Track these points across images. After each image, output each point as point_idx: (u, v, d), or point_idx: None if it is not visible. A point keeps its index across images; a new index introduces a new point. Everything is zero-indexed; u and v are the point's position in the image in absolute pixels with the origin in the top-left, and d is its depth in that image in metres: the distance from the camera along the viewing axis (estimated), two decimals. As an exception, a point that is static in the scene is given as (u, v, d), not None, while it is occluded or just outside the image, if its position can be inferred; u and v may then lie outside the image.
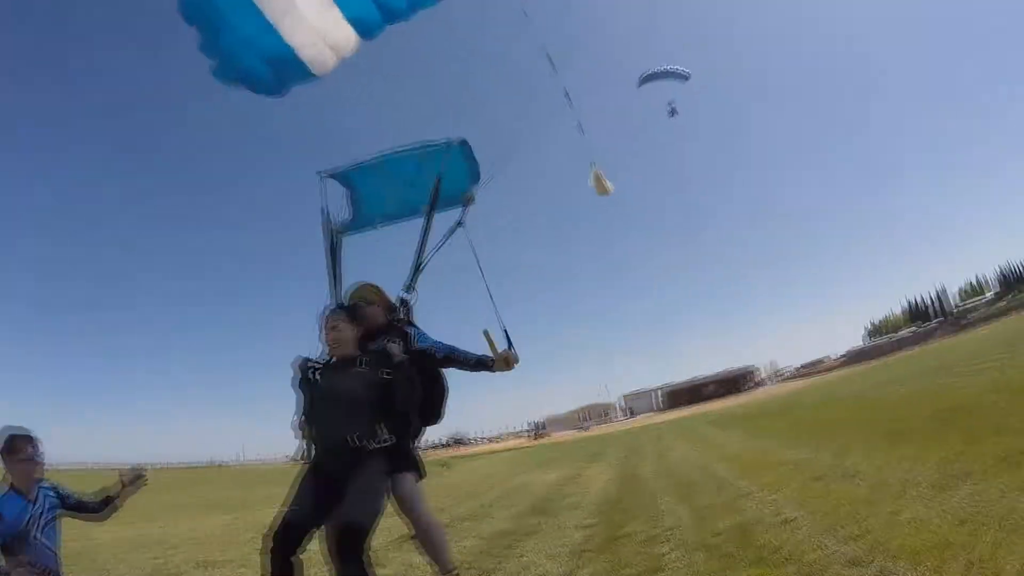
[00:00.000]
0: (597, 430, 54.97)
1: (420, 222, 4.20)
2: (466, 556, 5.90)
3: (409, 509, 3.40)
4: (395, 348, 3.33)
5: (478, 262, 4.09)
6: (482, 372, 3.67)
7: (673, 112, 23.97)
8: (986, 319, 33.96)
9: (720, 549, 4.78)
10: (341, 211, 4.34)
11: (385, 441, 3.05)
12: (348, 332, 3.31)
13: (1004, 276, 55.12)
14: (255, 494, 16.16)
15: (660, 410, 71.28)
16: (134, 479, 3.55)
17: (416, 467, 3.46)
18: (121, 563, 6.96)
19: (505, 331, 3.73)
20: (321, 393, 3.17)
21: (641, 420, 53.40)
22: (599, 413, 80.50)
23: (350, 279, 4.01)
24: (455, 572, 3.42)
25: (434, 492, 8.90)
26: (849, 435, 9.84)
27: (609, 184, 6.21)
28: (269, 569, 2.73)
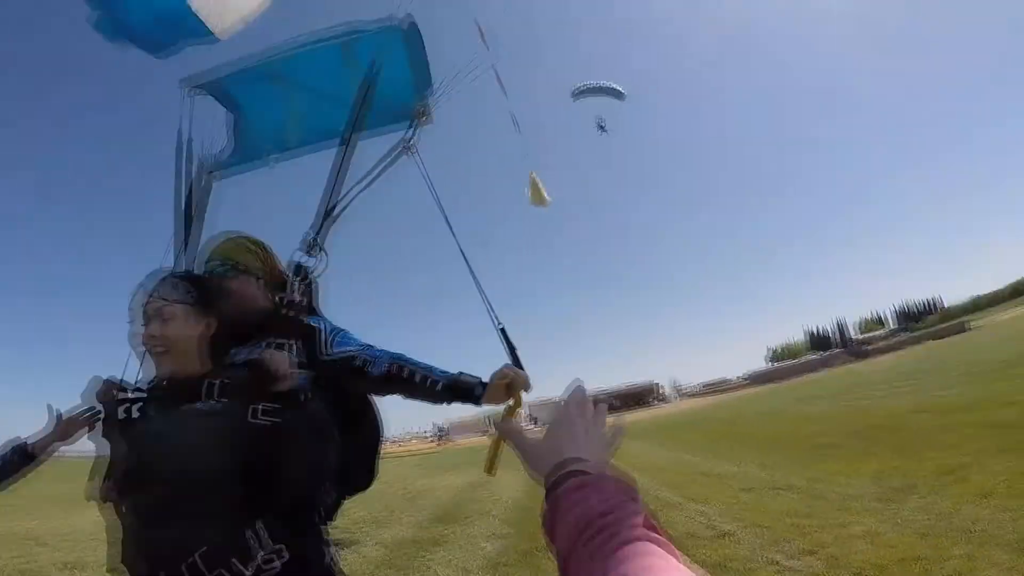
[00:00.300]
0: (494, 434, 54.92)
1: (335, 152, 2.56)
2: (366, 566, 5.11)
3: None
4: (284, 360, 1.63)
5: (440, 205, 2.41)
6: (452, 404, 1.93)
7: (602, 129, 23.98)
8: (885, 350, 36.12)
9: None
10: (213, 140, 2.74)
11: (270, 562, 1.46)
12: (184, 327, 1.63)
13: (901, 312, 59.93)
14: None
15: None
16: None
17: None
18: None
19: (502, 330, 2.00)
20: (137, 457, 1.54)
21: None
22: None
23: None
24: None
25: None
26: (772, 449, 9.68)
27: (546, 194, 5.49)
28: None
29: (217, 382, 1.56)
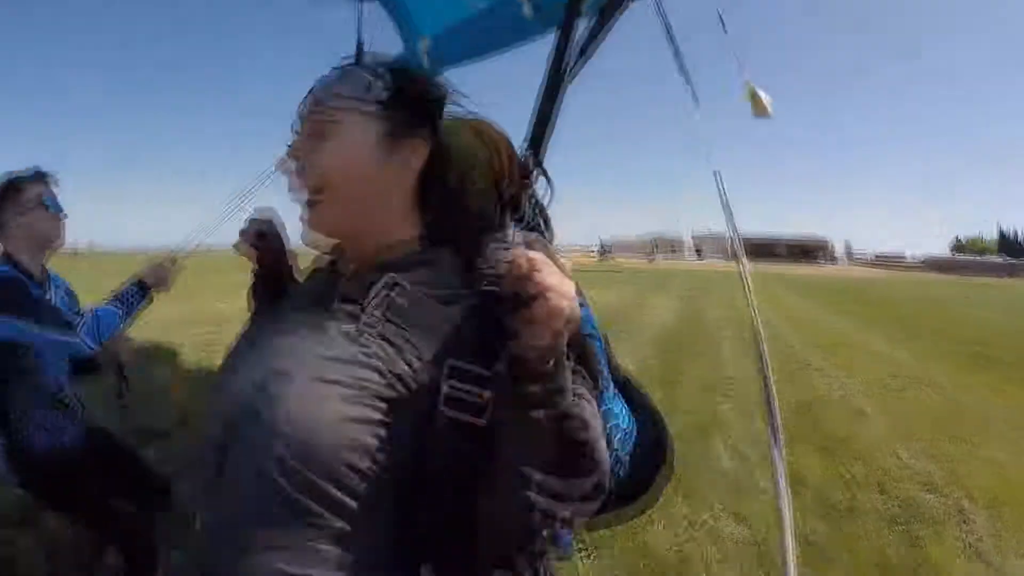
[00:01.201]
0: (664, 264, 54.05)
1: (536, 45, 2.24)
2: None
3: None
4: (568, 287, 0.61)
5: (678, 54, 1.74)
6: None
7: None
8: None
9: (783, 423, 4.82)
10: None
11: None
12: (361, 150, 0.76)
13: None
14: None
15: (729, 258, 70.00)
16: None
17: None
18: (179, 336, 7.23)
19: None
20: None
21: (711, 264, 52.10)
22: (668, 247, 78.74)
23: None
24: None
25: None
26: (931, 343, 9.46)
27: (769, 103, 4.94)
28: None
29: (391, 286, 0.74)
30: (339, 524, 0.64)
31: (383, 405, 0.64)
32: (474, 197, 0.81)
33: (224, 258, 2.31)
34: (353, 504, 0.64)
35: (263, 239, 0.95)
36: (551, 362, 0.60)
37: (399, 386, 0.65)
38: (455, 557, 0.67)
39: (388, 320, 0.70)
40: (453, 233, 0.78)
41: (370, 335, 0.68)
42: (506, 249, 0.72)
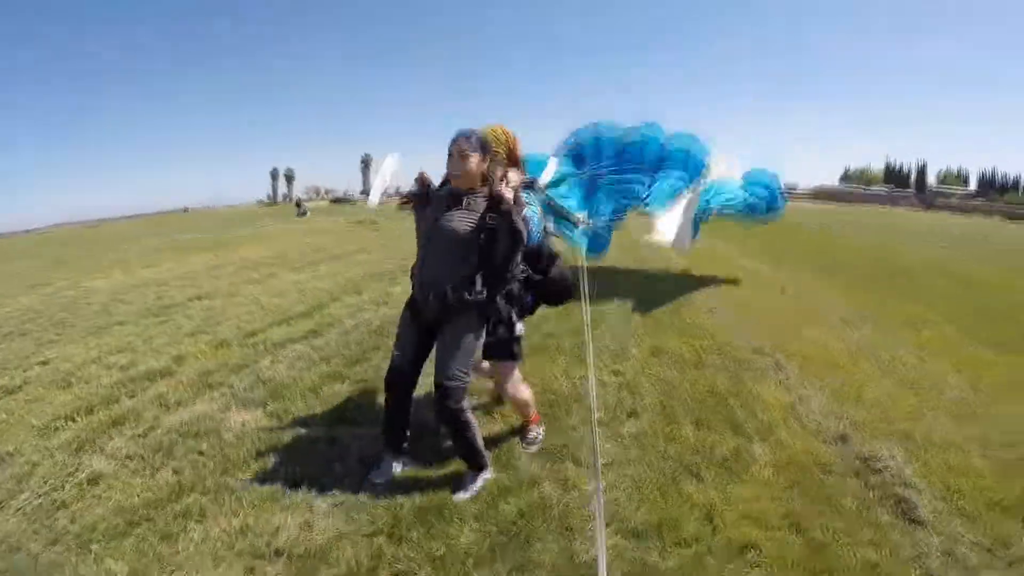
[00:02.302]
0: None
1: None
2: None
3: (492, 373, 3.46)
4: (508, 195, 2.69)
5: None
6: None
7: None
8: (956, 209, 34.52)
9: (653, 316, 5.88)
10: None
11: (479, 295, 2.71)
12: (476, 166, 2.74)
13: (983, 178, 55.65)
14: (228, 235, 16.53)
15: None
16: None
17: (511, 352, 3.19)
18: (128, 303, 7.38)
19: None
20: (432, 223, 2.77)
21: None
22: None
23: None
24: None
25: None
26: (796, 259, 10.72)
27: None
28: (388, 408, 2.98)
29: (475, 197, 2.72)
30: (463, 255, 2.70)
31: (474, 224, 2.68)
32: (494, 162, 2.81)
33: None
34: (467, 251, 2.70)
35: (423, 181, 2.92)
36: (508, 211, 2.62)
37: (477, 220, 2.69)
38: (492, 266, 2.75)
39: (470, 206, 2.72)
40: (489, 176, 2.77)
41: (469, 208, 2.71)
42: (500, 179, 2.73)
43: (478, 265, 2.71)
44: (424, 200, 2.87)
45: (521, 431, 3.33)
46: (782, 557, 2.31)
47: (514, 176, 2.85)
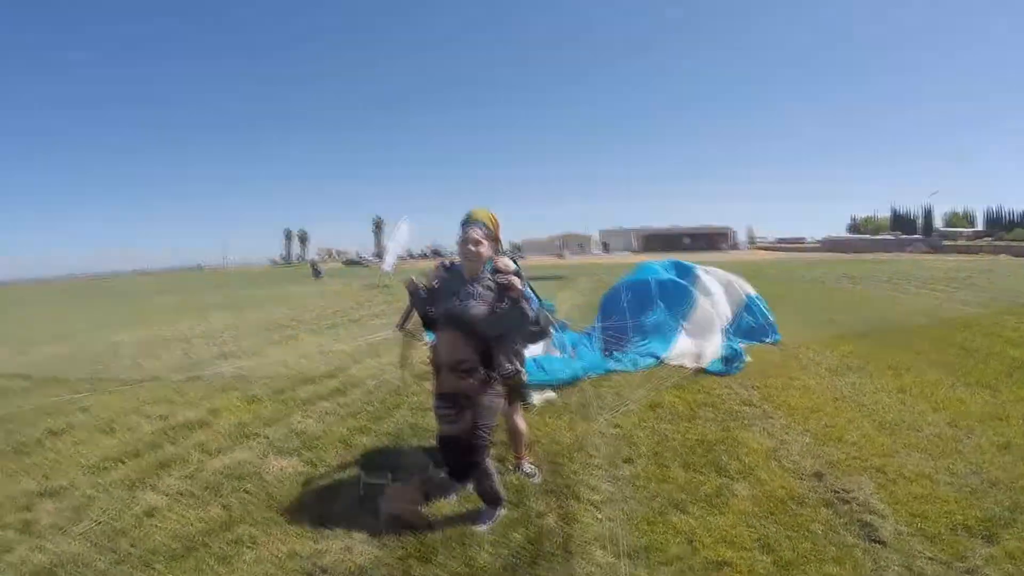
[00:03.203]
0: (573, 260, 56.15)
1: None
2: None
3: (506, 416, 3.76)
4: (518, 284, 3.05)
5: None
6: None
7: None
8: (962, 250, 34.97)
9: (653, 373, 6.25)
10: None
11: (500, 367, 3.12)
12: (485, 248, 3.19)
13: (989, 216, 56.09)
14: (245, 295, 17.98)
15: (635, 251, 71.62)
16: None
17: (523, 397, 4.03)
18: (156, 358, 8.25)
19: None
20: (448, 304, 3.14)
21: (618, 258, 54.04)
22: (576, 244, 79.60)
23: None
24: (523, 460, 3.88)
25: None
26: (792, 310, 11.09)
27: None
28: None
29: (487, 281, 3.11)
30: (479, 336, 2.99)
31: (487, 306, 3.03)
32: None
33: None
34: (482, 331, 3.01)
35: (414, 285, 3.28)
36: (515, 295, 2.99)
37: (489, 301, 3.05)
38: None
39: (479, 291, 3.09)
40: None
41: (478, 292, 3.09)
42: (502, 262, 3.12)
43: (493, 342, 3.04)
44: (426, 300, 3.25)
45: (518, 466, 3.82)
46: (752, 571, 2.67)
47: (508, 263, 3.17)
